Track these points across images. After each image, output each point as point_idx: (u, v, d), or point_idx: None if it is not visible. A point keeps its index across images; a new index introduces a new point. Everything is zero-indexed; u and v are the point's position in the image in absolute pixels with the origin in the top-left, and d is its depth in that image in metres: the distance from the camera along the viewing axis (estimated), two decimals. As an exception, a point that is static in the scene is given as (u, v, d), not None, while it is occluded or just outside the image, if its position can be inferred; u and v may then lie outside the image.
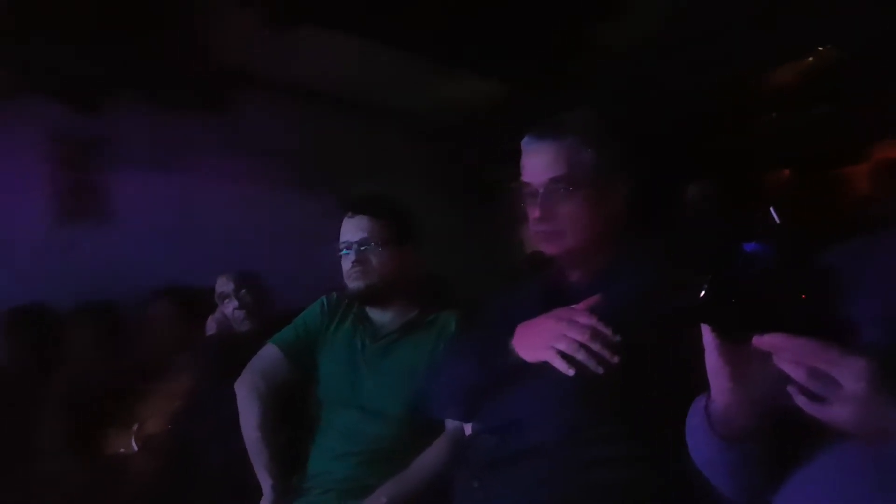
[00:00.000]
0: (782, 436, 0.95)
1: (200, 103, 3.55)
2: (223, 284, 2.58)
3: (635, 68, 3.46)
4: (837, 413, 0.79)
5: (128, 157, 3.43)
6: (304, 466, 1.97)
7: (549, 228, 1.45)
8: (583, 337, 1.22)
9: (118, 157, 3.43)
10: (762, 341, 0.83)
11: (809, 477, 0.94)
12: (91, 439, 2.62)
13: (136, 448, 2.56)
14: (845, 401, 0.79)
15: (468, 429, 1.73)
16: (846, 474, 0.89)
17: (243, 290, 2.56)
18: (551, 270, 1.57)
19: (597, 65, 3.50)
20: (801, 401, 0.81)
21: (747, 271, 0.85)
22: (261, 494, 1.95)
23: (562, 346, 1.24)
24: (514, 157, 1.53)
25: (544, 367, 1.27)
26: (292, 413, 2.05)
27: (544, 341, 1.27)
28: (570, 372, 1.22)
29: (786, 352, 0.82)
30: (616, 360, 1.20)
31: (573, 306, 1.30)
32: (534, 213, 1.46)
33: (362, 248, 1.97)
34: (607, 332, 1.21)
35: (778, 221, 0.95)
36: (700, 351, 0.94)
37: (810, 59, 3.63)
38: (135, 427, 2.58)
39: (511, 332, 1.38)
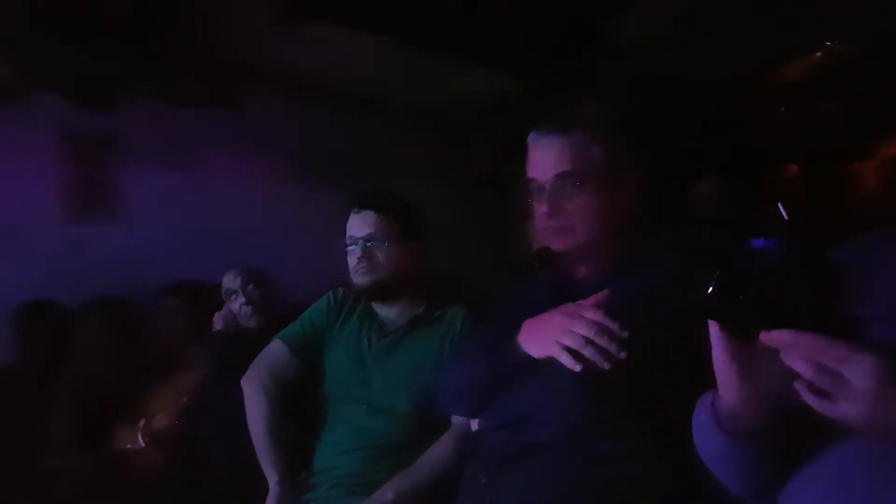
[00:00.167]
0: (789, 432, 0.94)
1: (211, 100, 3.55)
2: (230, 281, 2.59)
3: (643, 64, 3.45)
4: (845, 410, 0.79)
5: (138, 154, 3.43)
6: (311, 462, 1.97)
7: (557, 224, 1.45)
8: (590, 333, 1.22)
9: (129, 154, 3.43)
10: (770, 338, 0.83)
11: (816, 473, 0.94)
12: (99, 435, 2.64)
13: (143, 443, 2.57)
14: (853, 398, 0.78)
15: (474, 425, 1.73)
16: (853, 471, 0.89)
17: (250, 287, 2.56)
18: (559, 266, 1.57)
19: (605, 60, 3.48)
20: (808, 397, 0.81)
21: (755, 267, 0.85)
22: (267, 490, 1.95)
23: (569, 342, 1.23)
24: (523, 153, 1.52)
25: (551, 362, 1.27)
26: (299, 409, 2.06)
27: (551, 337, 1.27)
28: (577, 368, 1.22)
29: (794, 348, 0.81)
30: (623, 355, 1.19)
31: (580, 302, 1.30)
32: (541, 208, 1.46)
33: (368, 244, 1.97)
34: (614, 327, 1.21)
35: (786, 217, 0.94)
36: (707, 347, 0.93)
37: (819, 54, 3.61)
38: (142, 422, 2.60)
39: (518, 328, 1.38)
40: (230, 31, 3.20)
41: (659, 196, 1.56)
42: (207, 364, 2.52)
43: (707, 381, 0.98)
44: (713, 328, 0.92)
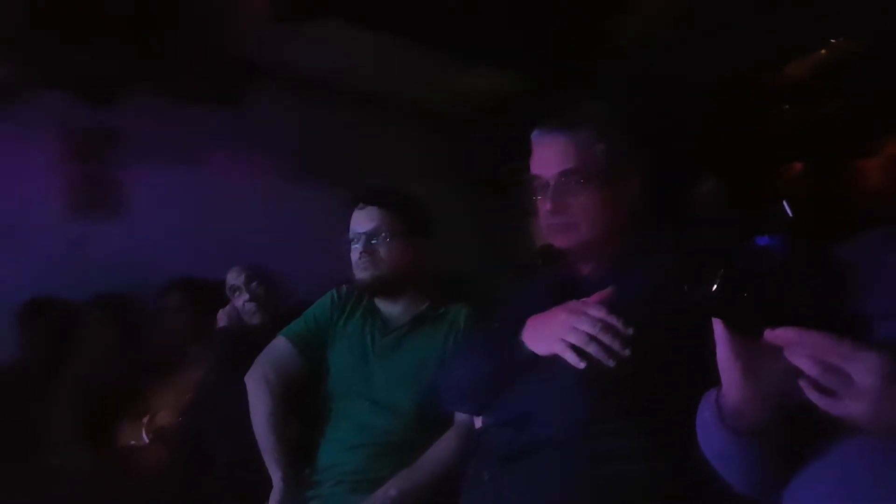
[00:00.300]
0: (793, 430, 0.94)
1: (213, 97, 3.56)
2: (234, 277, 2.59)
3: (646, 62, 3.44)
4: (850, 408, 0.79)
5: (141, 151, 3.44)
6: (314, 459, 1.98)
7: (561, 221, 1.45)
8: (594, 330, 1.22)
9: (131, 152, 3.44)
10: (774, 335, 0.83)
11: (820, 471, 0.94)
12: (103, 431, 2.65)
13: (146, 440, 2.58)
14: (858, 395, 0.78)
15: (478, 422, 1.73)
16: (857, 469, 0.89)
17: (254, 283, 2.56)
18: (562, 263, 1.57)
19: (608, 59, 3.48)
20: (812, 395, 0.81)
21: (760, 265, 0.85)
22: (271, 486, 1.95)
23: (573, 339, 1.23)
24: (524, 152, 1.52)
25: (555, 360, 1.27)
26: (302, 406, 2.06)
27: (555, 334, 1.27)
28: (581, 365, 1.22)
29: (798, 346, 0.81)
30: (627, 353, 1.19)
31: (584, 299, 1.30)
32: (545, 206, 1.46)
33: (372, 240, 1.97)
34: (618, 325, 1.21)
35: (790, 215, 0.94)
36: (711, 345, 0.93)
37: (823, 51, 3.60)
38: (146, 419, 2.60)
39: (522, 326, 1.38)
40: (232, 30, 3.20)
41: (662, 194, 1.56)
42: (211, 361, 2.52)
43: (710, 378, 0.98)
44: (717, 326, 0.92)
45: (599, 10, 3.23)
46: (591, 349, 1.21)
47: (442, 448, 1.88)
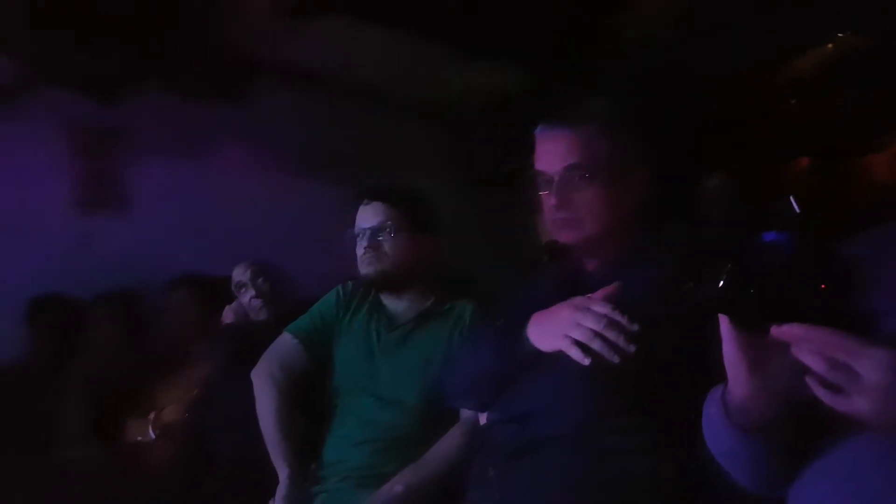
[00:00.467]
0: (799, 426, 0.94)
1: (219, 93, 3.57)
2: (240, 273, 2.59)
3: (652, 57, 3.43)
4: (857, 404, 0.79)
5: (147, 148, 3.45)
6: (320, 454, 1.98)
7: (566, 217, 1.45)
8: (599, 326, 1.21)
9: (138, 147, 3.45)
10: (781, 332, 0.82)
11: (826, 468, 0.93)
12: (109, 427, 2.66)
13: (153, 436, 2.59)
14: (865, 392, 0.78)
15: (483, 418, 1.73)
16: (864, 466, 0.89)
17: (260, 280, 2.57)
18: (567, 259, 1.56)
19: (614, 54, 3.47)
20: (819, 392, 0.80)
21: (766, 261, 0.85)
22: (277, 482, 1.96)
23: (577, 335, 1.23)
24: (527, 149, 1.52)
25: (560, 356, 1.26)
26: (308, 401, 2.06)
27: (560, 330, 1.26)
28: (586, 361, 1.22)
29: (805, 342, 0.81)
30: (632, 349, 1.19)
31: (589, 295, 1.29)
32: (550, 201, 1.45)
33: (377, 236, 1.97)
34: (623, 321, 1.20)
35: (797, 211, 0.94)
36: (717, 341, 0.93)
37: (830, 46, 3.58)
38: (152, 415, 2.61)
39: (527, 322, 1.37)
40: (236, 26, 3.21)
41: (668, 190, 1.55)
42: (217, 357, 2.53)
43: (716, 375, 0.97)
44: (723, 322, 0.91)
45: (600, 8, 3.22)
46: (596, 345, 1.21)
47: (447, 444, 1.88)
